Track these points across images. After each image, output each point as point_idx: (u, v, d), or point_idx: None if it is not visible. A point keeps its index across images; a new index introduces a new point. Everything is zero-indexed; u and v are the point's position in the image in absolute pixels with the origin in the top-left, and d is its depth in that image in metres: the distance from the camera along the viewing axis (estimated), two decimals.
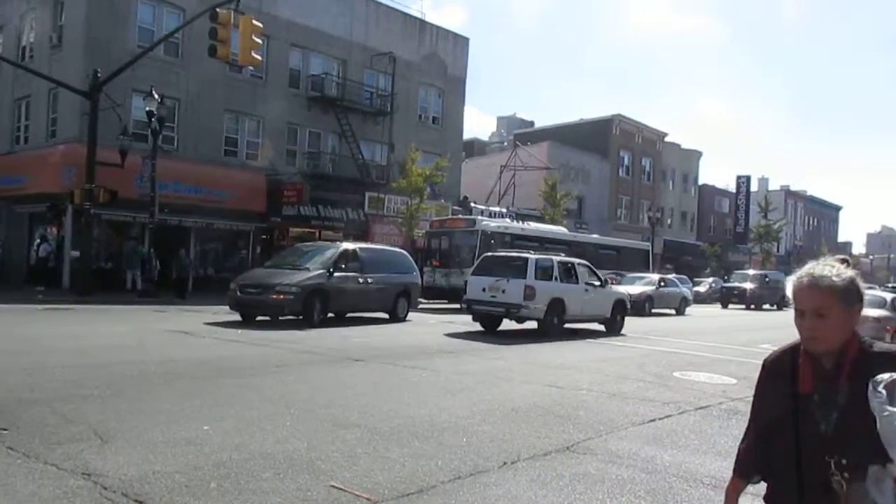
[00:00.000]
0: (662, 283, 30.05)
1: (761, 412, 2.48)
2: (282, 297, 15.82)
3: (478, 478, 5.16)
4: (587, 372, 10.84)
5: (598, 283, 18.39)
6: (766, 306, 40.40)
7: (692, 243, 63.31)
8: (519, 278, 16.23)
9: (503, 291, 16.29)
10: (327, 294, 16.79)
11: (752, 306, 39.27)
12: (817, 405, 2.21)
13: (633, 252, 37.74)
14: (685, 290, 32.51)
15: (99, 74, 22.48)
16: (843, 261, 2.30)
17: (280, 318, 16.07)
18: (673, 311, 30.12)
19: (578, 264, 18.41)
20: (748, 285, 40.42)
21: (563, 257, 18.91)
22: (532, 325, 16.84)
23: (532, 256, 17.19)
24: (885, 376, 1.97)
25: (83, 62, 24.51)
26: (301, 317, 16.12)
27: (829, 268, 2.25)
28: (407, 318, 19.30)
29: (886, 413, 1.91)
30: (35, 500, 4.29)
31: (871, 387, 1.98)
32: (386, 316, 18.94)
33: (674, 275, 45.06)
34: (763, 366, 2.49)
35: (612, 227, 52.14)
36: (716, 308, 38.62)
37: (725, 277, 48.94)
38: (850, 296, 2.20)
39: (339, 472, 5.10)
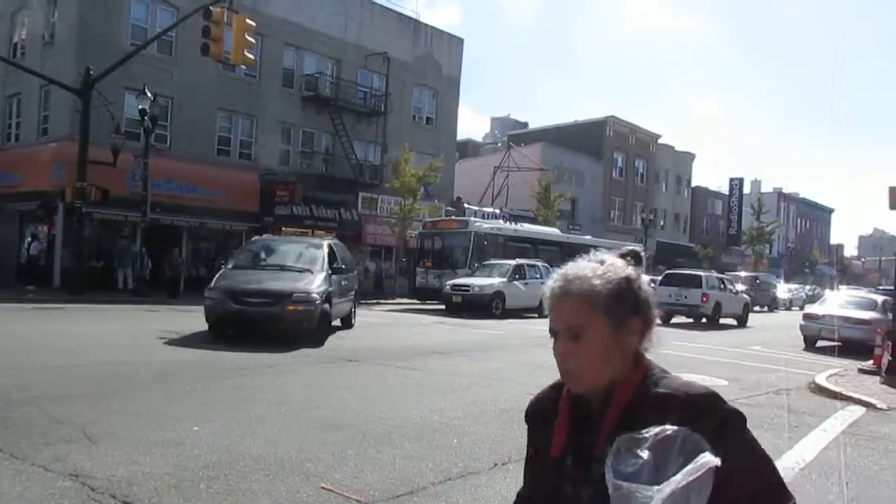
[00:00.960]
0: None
1: (525, 476, 1.83)
2: (300, 308, 12.48)
3: (468, 479, 5.14)
4: None
5: (735, 290, 27.33)
6: (757, 308, 40.48)
7: (685, 245, 63.44)
8: (697, 288, 24.58)
9: (685, 297, 24.40)
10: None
11: None
12: (567, 476, 1.56)
13: None
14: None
15: (91, 72, 22.37)
16: (628, 255, 1.65)
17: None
18: None
19: (728, 279, 28.01)
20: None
21: (720, 275, 28.79)
22: None
23: (704, 274, 26.21)
24: (651, 431, 1.39)
25: (75, 60, 24.39)
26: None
27: (591, 266, 1.58)
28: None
29: (621, 490, 1.35)
30: (22, 502, 4.25)
31: (616, 447, 1.41)
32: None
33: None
34: (525, 414, 1.83)
35: (606, 228, 52.20)
36: None
37: None
38: (619, 306, 1.53)
39: (329, 473, 5.08)
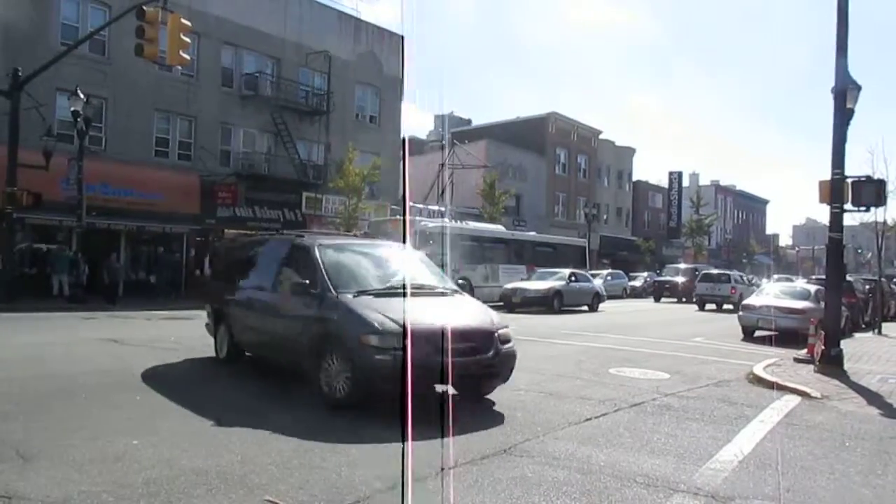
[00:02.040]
0: (573, 279, 29.07)
1: None
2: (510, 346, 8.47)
3: (415, 485, 5.13)
4: (525, 371, 10.87)
5: (756, 284, 35.16)
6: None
7: (628, 239, 64.61)
8: (727, 283, 33.51)
9: (719, 290, 33.32)
10: None
11: (684, 300, 40.11)
12: None
13: (569, 249, 38.23)
14: (597, 286, 31.39)
15: (20, 73, 21.63)
16: None
17: None
18: (585, 308, 28.99)
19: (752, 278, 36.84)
20: (679, 279, 41.27)
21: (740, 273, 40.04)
22: None
23: (733, 273, 36.96)
24: None
25: (2, 60, 23.50)
26: None
27: None
28: None
29: None
30: None
31: None
32: None
33: (609, 270, 46.04)
34: None
35: (550, 223, 52.81)
36: (649, 302, 39.39)
37: (658, 272, 50.08)
38: None
39: (273, 484, 5.01)
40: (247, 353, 10.62)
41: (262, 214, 30.96)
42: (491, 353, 7.97)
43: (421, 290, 8.74)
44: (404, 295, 8.31)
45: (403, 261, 9.72)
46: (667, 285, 41.30)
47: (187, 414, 7.22)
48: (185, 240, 29.21)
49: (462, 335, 7.74)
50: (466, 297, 9.41)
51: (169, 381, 9.17)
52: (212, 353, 11.20)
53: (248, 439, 6.23)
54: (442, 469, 5.54)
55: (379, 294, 8.25)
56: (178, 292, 27.14)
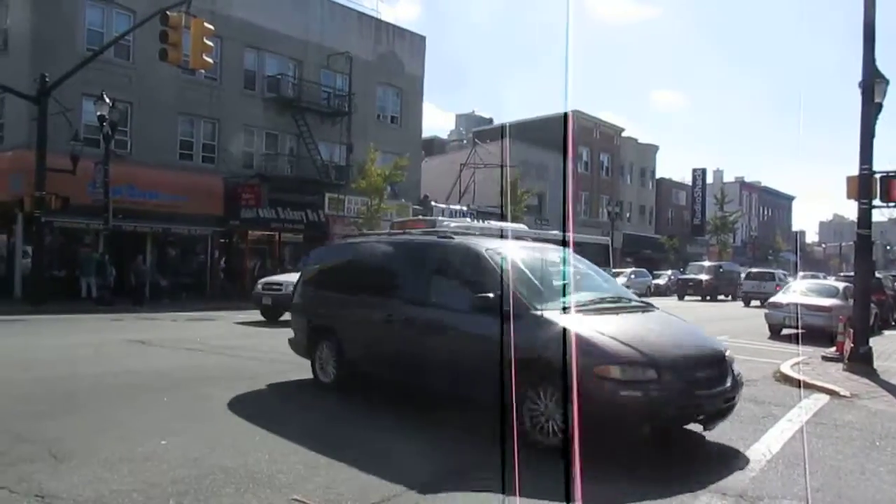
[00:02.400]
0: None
1: None
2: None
3: (444, 484, 5.14)
4: None
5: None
6: (721, 297, 41.07)
7: (651, 237, 64.18)
8: (772, 281, 35.80)
9: (764, 287, 35.03)
10: None
11: (708, 297, 39.87)
12: None
13: (593, 247, 37.85)
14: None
15: (47, 79, 21.95)
16: None
17: None
18: None
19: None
20: (703, 276, 40.97)
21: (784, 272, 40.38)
22: None
23: (777, 271, 39.61)
24: None
25: (30, 66, 23.91)
26: None
27: None
28: None
29: None
30: None
31: None
32: None
33: (633, 268, 45.84)
34: None
35: (573, 222, 52.55)
36: (673, 300, 39.12)
37: (682, 270, 49.82)
38: None
39: (300, 484, 5.04)
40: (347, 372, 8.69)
41: (286, 216, 31.13)
42: (729, 382, 6.49)
43: (624, 306, 7.42)
44: (613, 311, 7.06)
45: (580, 267, 8.13)
46: (690, 283, 41.01)
47: (214, 414, 7.29)
48: (209, 241, 29.46)
49: (705, 362, 6.45)
50: (663, 310, 7.74)
51: (197, 381, 9.26)
52: (238, 352, 11.29)
53: (274, 439, 6.28)
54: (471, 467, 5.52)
55: (587, 310, 6.83)
56: (203, 293, 27.43)
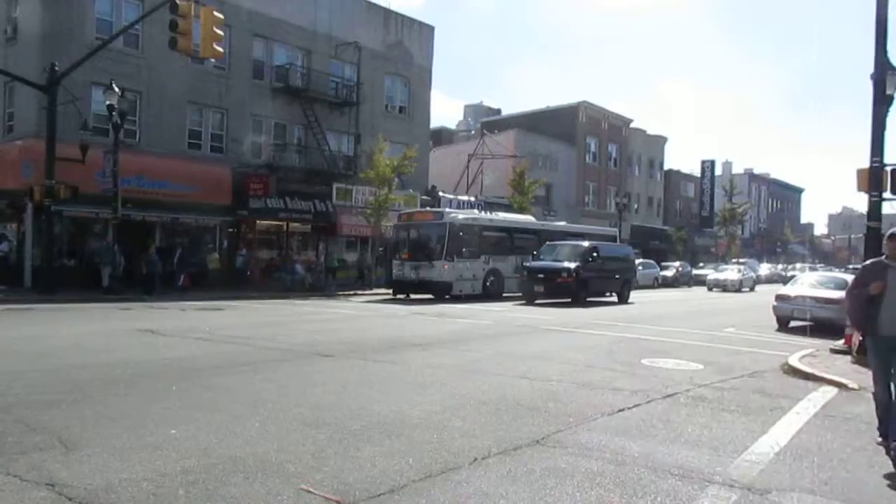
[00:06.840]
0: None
1: None
2: None
3: (449, 475, 5.15)
4: (557, 362, 10.91)
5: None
6: (745, 289, 44.10)
7: (659, 228, 64.00)
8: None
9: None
10: None
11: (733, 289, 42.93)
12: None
13: (600, 238, 37.95)
14: None
15: (56, 68, 22.00)
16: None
17: None
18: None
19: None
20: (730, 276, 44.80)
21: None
22: None
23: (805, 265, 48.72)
24: None
25: (40, 55, 23.97)
26: None
27: None
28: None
29: None
30: None
31: None
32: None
33: (640, 259, 45.88)
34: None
35: (580, 213, 52.48)
36: (683, 291, 39.04)
37: (700, 264, 54.28)
38: None
39: (309, 473, 5.06)
40: None
41: (294, 206, 31.18)
42: None
43: None
44: None
45: None
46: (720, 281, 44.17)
47: (224, 403, 7.32)
48: (217, 231, 29.54)
49: None
50: None
51: (206, 370, 9.30)
52: (249, 342, 11.28)
53: (284, 428, 6.31)
54: (475, 459, 5.56)
55: None
56: (214, 282, 27.51)
